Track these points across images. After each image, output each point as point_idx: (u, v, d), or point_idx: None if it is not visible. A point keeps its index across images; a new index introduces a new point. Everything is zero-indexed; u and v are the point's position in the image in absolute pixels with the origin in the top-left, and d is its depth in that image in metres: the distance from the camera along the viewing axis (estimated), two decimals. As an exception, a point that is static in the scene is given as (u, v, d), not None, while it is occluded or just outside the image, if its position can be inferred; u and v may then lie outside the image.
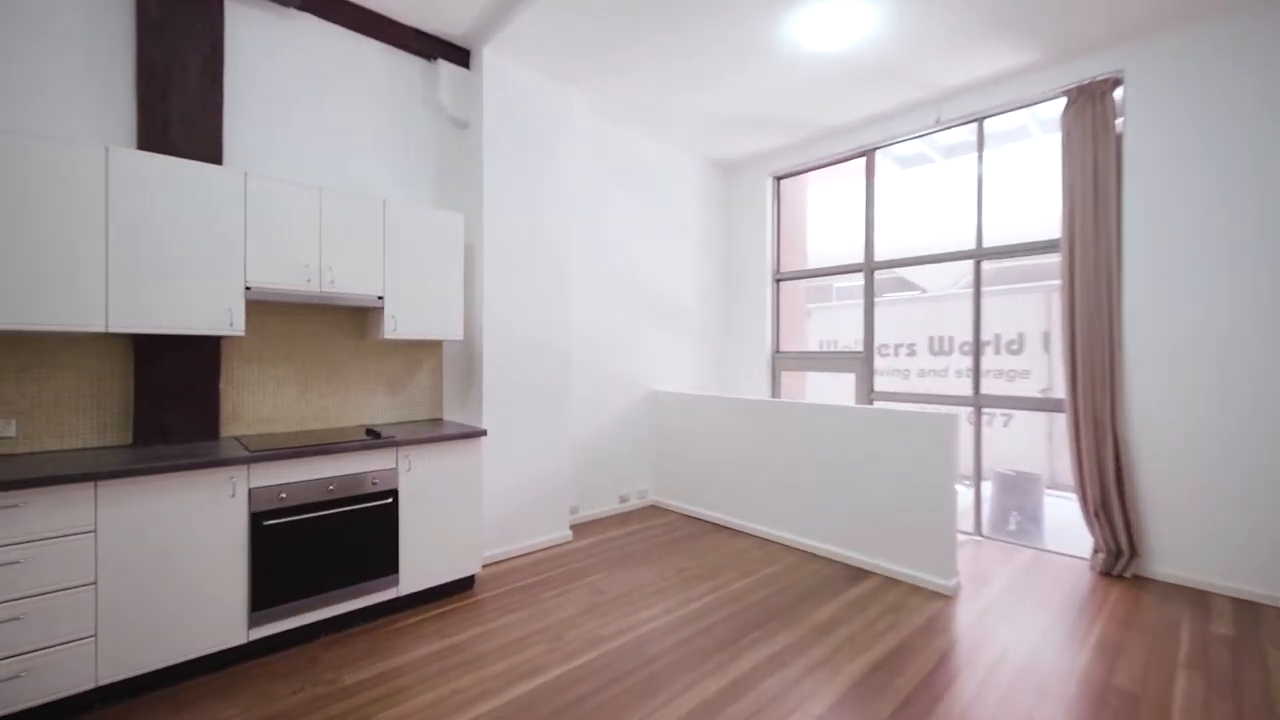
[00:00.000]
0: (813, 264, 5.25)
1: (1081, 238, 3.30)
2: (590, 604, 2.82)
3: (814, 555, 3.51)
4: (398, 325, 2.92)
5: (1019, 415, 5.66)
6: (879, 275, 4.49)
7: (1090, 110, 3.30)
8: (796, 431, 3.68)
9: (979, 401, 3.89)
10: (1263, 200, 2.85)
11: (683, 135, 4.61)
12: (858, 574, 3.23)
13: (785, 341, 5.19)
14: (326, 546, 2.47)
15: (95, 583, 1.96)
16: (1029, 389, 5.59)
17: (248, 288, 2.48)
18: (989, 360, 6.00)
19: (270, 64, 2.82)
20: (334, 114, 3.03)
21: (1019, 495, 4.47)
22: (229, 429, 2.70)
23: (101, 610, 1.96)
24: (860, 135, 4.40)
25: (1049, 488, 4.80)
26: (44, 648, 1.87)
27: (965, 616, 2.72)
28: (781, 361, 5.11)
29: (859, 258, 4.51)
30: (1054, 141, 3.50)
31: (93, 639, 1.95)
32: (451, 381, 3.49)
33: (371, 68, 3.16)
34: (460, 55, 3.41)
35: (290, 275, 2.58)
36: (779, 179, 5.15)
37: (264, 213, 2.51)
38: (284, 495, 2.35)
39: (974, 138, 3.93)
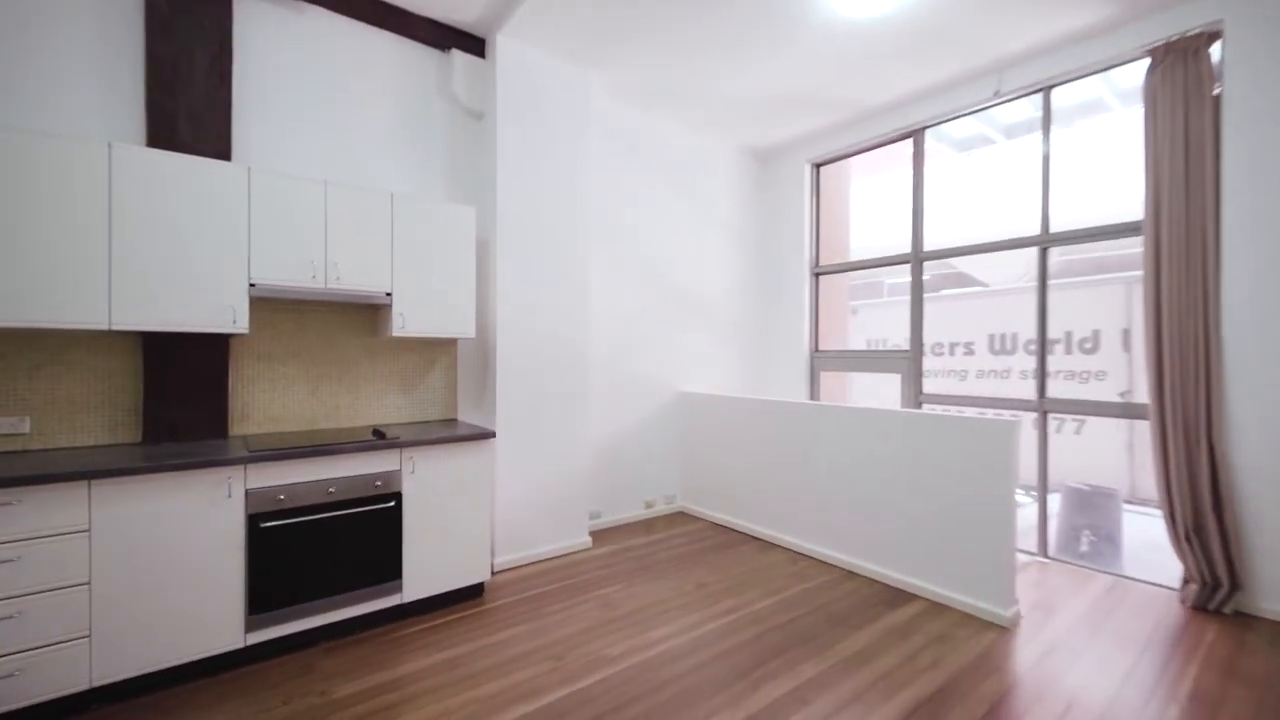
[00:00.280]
0: (856, 258, 4.89)
1: (1170, 219, 2.85)
2: (599, 620, 2.64)
3: (851, 573, 3.21)
4: (406, 323, 2.84)
5: (1093, 422, 5.09)
6: (933, 270, 4.10)
7: (1180, 71, 2.84)
8: (834, 437, 3.37)
9: (1044, 406, 3.46)
10: None
11: (714, 121, 4.37)
12: (899, 596, 2.91)
13: (825, 340, 4.85)
14: (326, 551, 2.39)
15: (89, 582, 1.93)
16: (1105, 392, 5.02)
17: (252, 285, 2.44)
18: (1058, 360, 5.44)
19: (280, 59, 2.79)
20: (346, 109, 2.98)
21: (1092, 512, 3.98)
22: (239, 428, 2.68)
23: (96, 610, 1.94)
24: (907, 113, 4.03)
25: (1129, 503, 4.27)
26: (38, 647, 1.85)
27: (1025, 654, 2.37)
28: (820, 361, 4.77)
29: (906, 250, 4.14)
30: (1134, 116, 3.05)
31: (87, 639, 1.93)
32: (466, 381, 3.40)
33: (383, 61, 3.09)
34: (474, 44, 3.31)
35: (295, 272, 2.53)
36: (818, 166, 4.82)
37: (268, 208, 2.47)
38: (282, 497, 2.29)
39: (1039, 113, 3.50)
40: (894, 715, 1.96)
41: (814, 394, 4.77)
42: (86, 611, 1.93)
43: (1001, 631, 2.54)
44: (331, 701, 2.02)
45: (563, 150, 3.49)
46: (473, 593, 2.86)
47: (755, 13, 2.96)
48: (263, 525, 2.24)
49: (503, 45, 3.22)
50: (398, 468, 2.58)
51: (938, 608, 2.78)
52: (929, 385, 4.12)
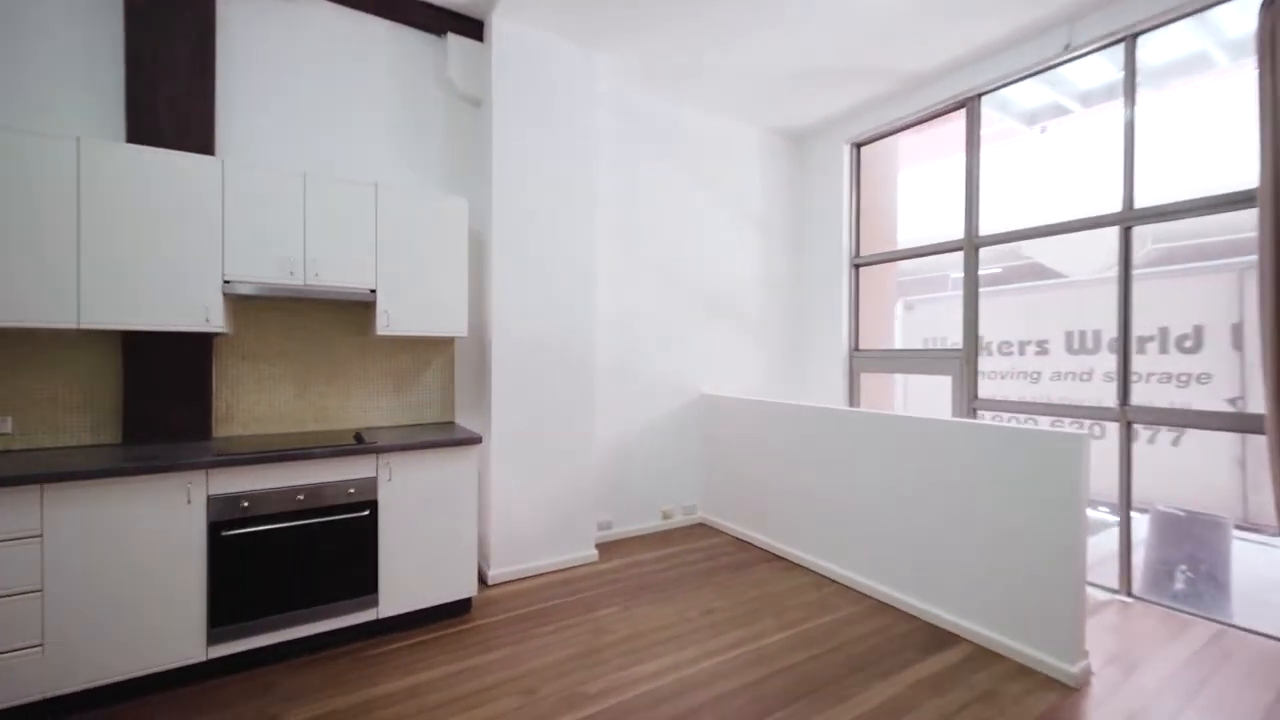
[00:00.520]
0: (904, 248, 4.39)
1: (1296, 183, 2.28)
2: (587, 647, 2.39)
3: (883, 605, 2.79)
4: (391, 321, 2.69)
5: (1193, 433, 4.34)
6: (1005, 262, 3.59)
7: (1312, -3, 2.27)
8: (870, 447, 2.96)
9: (1128, 414, 2.90)
10: None
11: (737, 101, 4.02)
12: (940, 637, 2.48)
13: (866, 338, 4.39)
14: (294, 562, 2.27)
15: (42, 590, 1.87)
16: (1210, 399, 4.27)
17: (226, 282, 2.35)
18: (1151, 361, 4.69)
19: (267, 49, 2.71)
20: (337, 100, 2.88)
21: (1191, 543, 3.34)
22: (223, 429, 2.61)
23: (49, 619, 1.87)
24: (959, 79, 3.53)
25: (1240, 531, 3.57)
26: (-12, 655, 1.80)
27: (1094, 724, 1.92)
28: (860, 361, 4.31)
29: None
30: (1246, 73, 2.47)
31: (40, 648, 1.87)
32: (464, 382, 3.23)
33: (376, 48, 2.97)
34: (471, 27, 3.14)
35: (271, 268, 2.43)
36: (858, 146, 4.36)
37: (243, 203, 2.38)
38: (246, 504, 2.18)
39: (1121, 74, 2.94)
40: (914, 798, 1.59)
41: (853, 398, 4.32)
42: (39, 620, 1.87)
43: (1065, 692, 2.09)
44: (279, 729, 1.88)
45: (566, 137, 3.26)
46: (459, 609, 2.68)
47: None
48: (224, 534, 2.13)
49: (499, 26, 3.03)
50: (373, 474, 2.43)
51: (985, 655, 2.34)
52: (989, 388, 3.61)
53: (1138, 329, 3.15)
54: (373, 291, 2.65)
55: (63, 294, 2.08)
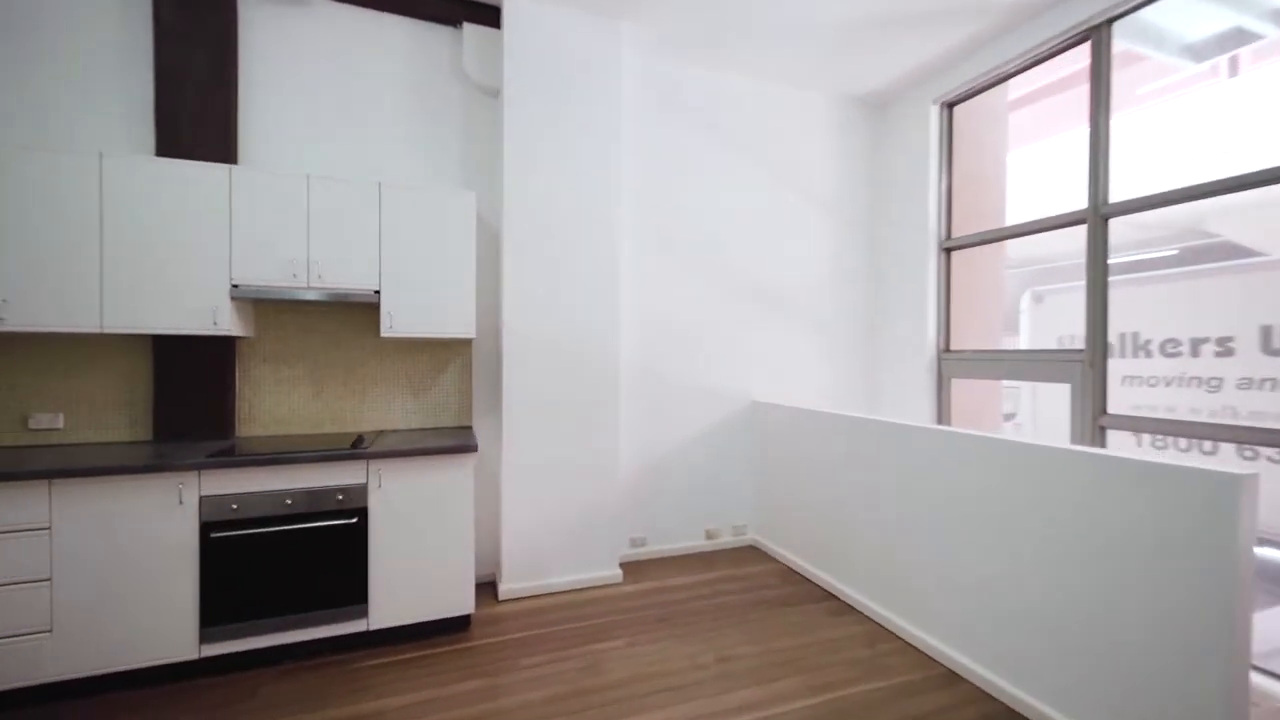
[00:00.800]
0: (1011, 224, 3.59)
1: None
2: (572, 688, 2.11)
3: (954, 676, 2.20)
4: (394, 323, 2.62)
5: None
6: (1181, 241, 2.78)
7: None
8: (951, 476, 2.35)
9: (1342, 445, 2.03)
10: None
11: (794, 62, 3.49)
12: (1024, 733, 1.87)
13: (963, 336, 3.64)
14: (281, 567, 2.24)
15: (50, 579, 1.98)
16: None
17: (235, 286, 2.40)
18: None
19: (286, 56, 2.76)
20: (355, 100, 2.87)
21: None
22: (245, 429, 2.70)
23: (57, 607, 1.98)
24: (1079, 2, 2.75)
25: None
26: (3, 637, 1.93)
27: None
28: (951, 365, 3.59)
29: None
30: None
31: (49, 634, 1.98)
32: (483, 385, 3.10)
33: (392, 45, 2.93)
34: (488, 13, 2.99)
35: (275, 271, 2.44)
36: (949, 106, 3.63)
37: (250, 207, 2.41)
38: (235, 506, 2.18)
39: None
40: None
41: (941, 410, 3.61)
42: (49, 607, 1.98)
43: None
44: (236, 743, 1.82)
45: (588, 119, 3.01)
46: (456, 625, 2.54)
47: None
48: (213, 535, 2.15)
49: (514, 4, 2.85)
50: (363, 481, 2.35)
51: (1089, 770, 1.71)
52: (1145, 397, 2.79)
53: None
54: (377, 293, 2.59)
55: (89, 300, 2.22)
